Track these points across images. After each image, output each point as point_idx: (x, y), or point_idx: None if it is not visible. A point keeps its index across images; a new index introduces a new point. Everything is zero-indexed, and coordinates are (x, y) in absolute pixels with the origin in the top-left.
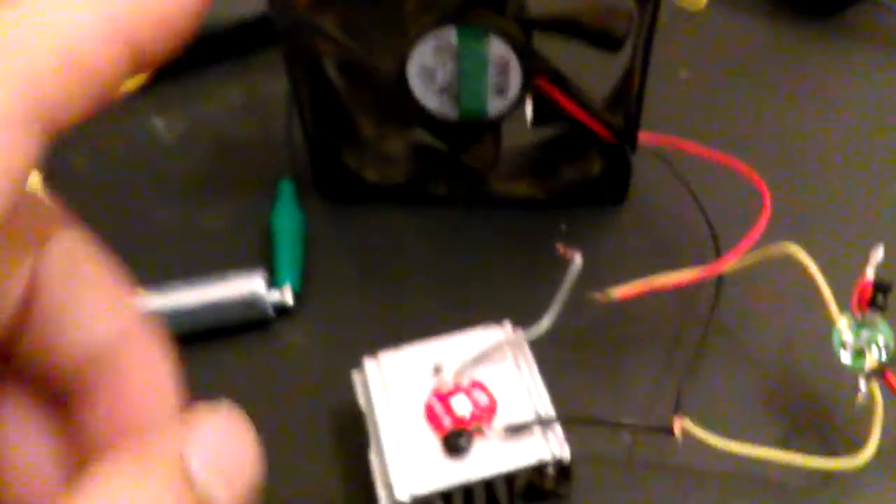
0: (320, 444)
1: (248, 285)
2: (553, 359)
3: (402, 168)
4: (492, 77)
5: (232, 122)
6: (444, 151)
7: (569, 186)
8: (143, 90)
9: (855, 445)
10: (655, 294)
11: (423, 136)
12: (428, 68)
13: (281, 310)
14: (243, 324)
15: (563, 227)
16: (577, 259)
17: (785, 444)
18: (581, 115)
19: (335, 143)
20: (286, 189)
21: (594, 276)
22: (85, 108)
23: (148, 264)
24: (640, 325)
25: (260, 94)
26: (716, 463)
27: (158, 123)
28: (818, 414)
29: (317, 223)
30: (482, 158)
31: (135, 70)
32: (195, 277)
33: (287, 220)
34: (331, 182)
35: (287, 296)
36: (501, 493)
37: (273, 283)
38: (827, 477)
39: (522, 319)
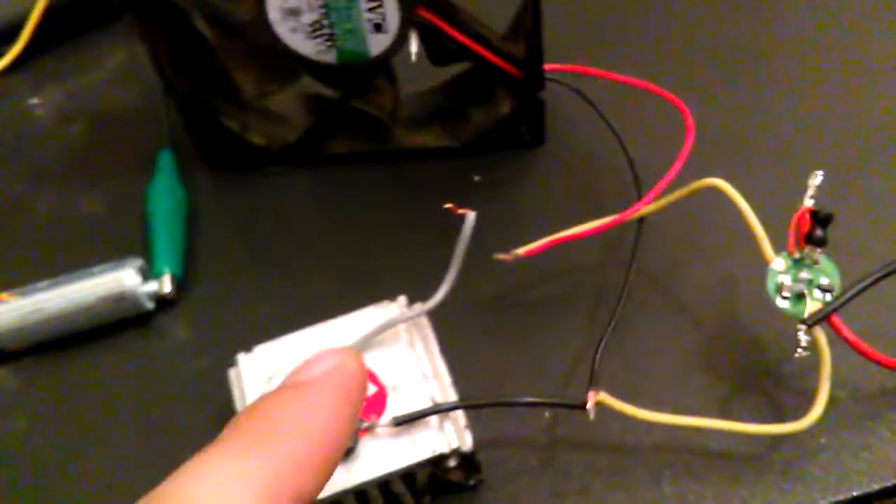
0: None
1: (117, 280)
2: (464, 331)
3: (292, 126)
4: (364, 11)
5: (113, 92)
6: (335, 102)
7: (480, 131)
8: (18, 64)
9: (804, 400)
10: (578, 246)
11: (311, 88)
12: (291, 8)
13: (162, 301)
14: (121, 320)
15: (477, 177)
16: (471, 217)
17: (726, 405)
18: (477, 48)
19: (212, 104)
20: (165, 161)
21: (514, 230)
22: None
23: (21, 260)
24: (561, 283)
25: (143, 59)
26: (647, 435)
27: (34, 101)
28: (761, 369)
29: (203, 197)
30: (379, 105)
31: None
32: (65, 275)
33: (164, 197)
34: (214, 148)
35: (166, 286)
36: (402, 492)
37: (151, 271)
38: (775, 440)
39: (435, 289)
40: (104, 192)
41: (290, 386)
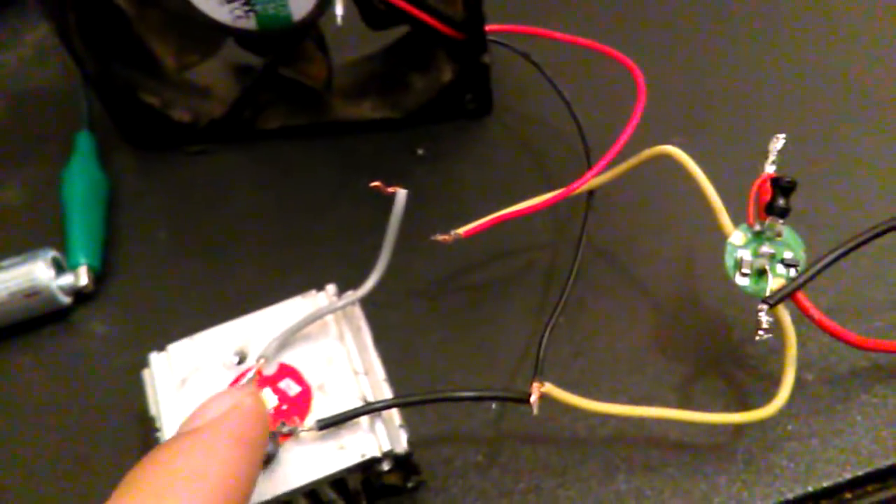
0: (124, 455)
1: (28, 274)
2: (402, 320)
3: (217, 99)
4: None
5: (33, 70)
6: (262, 72)
7: (422, 101)
8: None
9: (770, 384)
10: (525, 223)
11: (237, 57)
12: None
13: (79, 295)
14: (35, 317)
15: (420, 150)
16: (401, 195)
17: (685, 391)
18: (407, 7)
19: (130, 79)
20: (82, 143)
21: (461, 206)
22: None
23: None
24: (508, 264)
25: None
26: (601, 427)
27: None
28: (723, 351)
29: (125, 181)
30: (311, 74)
31: None
32: None
33: (81, 181)
34: (135, 127)
35: (82, 278)
36: (333, 499)
37: (67, 262)
38: (738, 429)
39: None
40: (20, 178)
41: (185, 434)
